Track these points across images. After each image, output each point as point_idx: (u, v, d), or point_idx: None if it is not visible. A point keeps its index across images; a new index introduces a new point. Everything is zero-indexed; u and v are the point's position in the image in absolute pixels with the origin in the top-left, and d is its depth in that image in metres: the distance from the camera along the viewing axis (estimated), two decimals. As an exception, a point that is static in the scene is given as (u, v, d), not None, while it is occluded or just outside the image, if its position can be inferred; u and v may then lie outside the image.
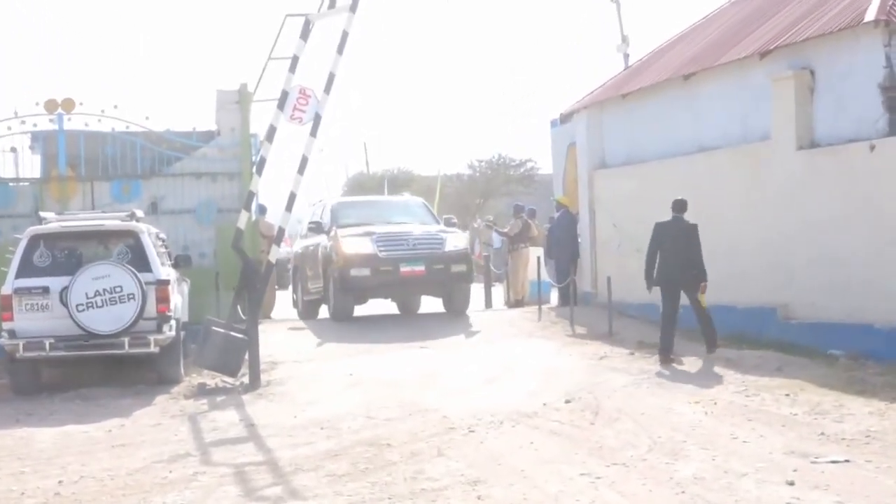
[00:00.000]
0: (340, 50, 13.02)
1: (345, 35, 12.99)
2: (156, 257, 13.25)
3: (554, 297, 20.49)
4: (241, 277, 13.43)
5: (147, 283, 12.81)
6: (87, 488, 8.48)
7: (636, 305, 17.18)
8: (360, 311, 18.28)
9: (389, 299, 19.79)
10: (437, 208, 28.61)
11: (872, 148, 12.91)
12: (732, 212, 15.11)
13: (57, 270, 12.91)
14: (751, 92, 15.38)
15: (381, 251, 17.22)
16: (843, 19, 13.45)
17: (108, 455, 9.66)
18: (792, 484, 7.74)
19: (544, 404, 11.04)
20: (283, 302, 21.68)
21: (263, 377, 13.17)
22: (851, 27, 13.19)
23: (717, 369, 12.70)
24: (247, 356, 13.10)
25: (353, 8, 12.90)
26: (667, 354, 13.41)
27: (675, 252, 13.72)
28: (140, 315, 12.69)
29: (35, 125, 17.32)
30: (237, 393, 12.62)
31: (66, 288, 12.61)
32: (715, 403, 10.78)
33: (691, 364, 13.15)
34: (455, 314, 18.01)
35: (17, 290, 12.73)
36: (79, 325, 12.59)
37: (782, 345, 13.75)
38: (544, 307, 18.88)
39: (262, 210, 19.31)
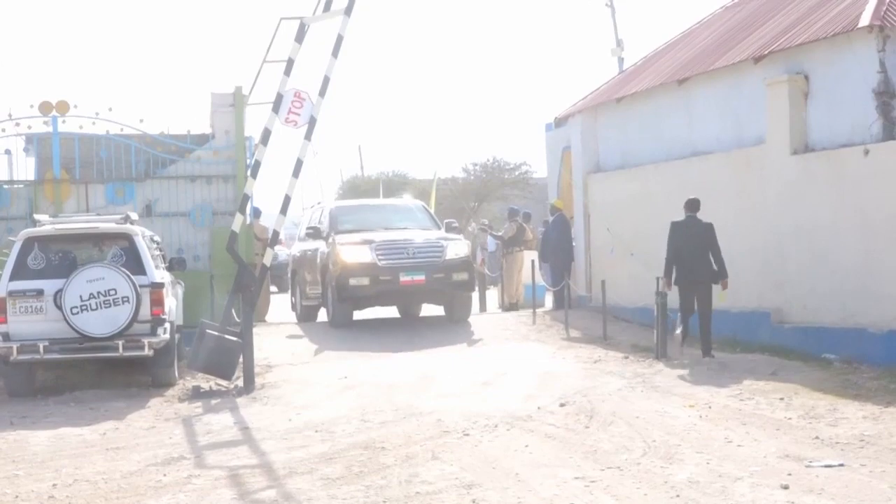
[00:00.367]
0: (335, 53, 13.02)
1: (340, 38, 13.00)
2: (150, 260, 13.22)
3: (548, 300, 20.51)
4: (236, 280, 13.41)
5: (141, 286, 12.78)
6: (81, 491, 8.46)
7: (630, 309, 17.23)
8: (357, 314, 18.20)
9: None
10: (433, 211, 28.50)
11: (866, 152, 12.96)
12: (726, 216, 15.13)
13: (51, 273, 12.88)
14: (745, 96, 15.42)
15: (380, 260, 16.91)
16: (838, 24, 13.49)
17: (102, 458, 9.63)
18: (786, 488, 7.75)
19: (539, 408, 11.05)
20: (281, 305, 21.68)
21: (258, 380, 13.16)
22: (846, 32, 13.23)
23: (711, 373, 12.72)
24: (241, 359, 13.08)
25: (348, 11, 12.91)
26: (708, 349, 13.71)
27: (690, 251, 13.94)
28: (134, 318, 12.67)
29: (29, 127, 17.30)
30: (231, 396, 12.61)
31: (60, 291, 12.58)
32: (709, 407, 10.79)
33: (686, 367, 13.16)
34: (456, 322, 17.75)
35: (12, 293, 12.70)
36: (73, 328, 12.56)
37: (776, 349, 13.79)
38: (539, 311, 18.91)
39: (256, 213, 19.31)
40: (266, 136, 13.25)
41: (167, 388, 13.16)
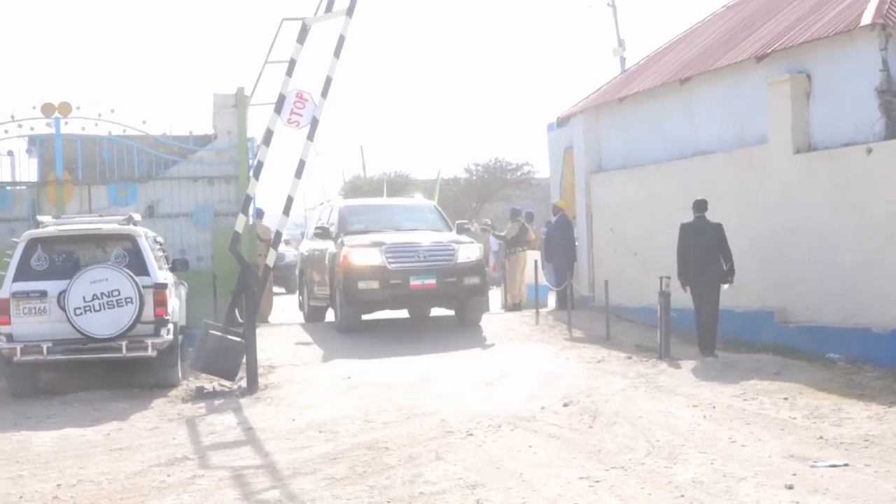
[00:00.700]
0: (337, 54, 13.02)
1: (342, 39, 12.99)
2: (153, 261, 13.23)
3: (551, 300, 20.50)
4: (239, 281, 13.41)
5: (144, 287, 12.78)
6: (85, 492, 8.47)
7: (634, 309, 17.22)
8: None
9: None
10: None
11: (869, 151, 12.94)
12: (729, 215, 15.10)
13: (54, 274, 12.88)
14: (747, 96, 15.41)
15: (390, 263, 16.52)
16: (840, 23, 13.47)
17: (105, 458, 9.63)
18: (791, 488, 7.75)
19: (542, 408, 11.04)
20: (285, 306, 21.67)
21: (261, 381, 13.16)
22: (848, 31, 13.22)
23: (715, 373, 12.71)
24: (244, 360, 13.09)
25: (349, 12, 12.90)
26: (712, 349, 13.82)
27: (699, 252, 14.03)
28: (137, 319, 12.67)
29: (32, 129, 17.33)
30: (235, 396, 12.61)
31: (63, 292, 12.58)
32: (713, 407, 10.78)
33: (689, 367, 13.15)
34: (468, 326, 17.32)
35: (15, 294, 12.71)
36: (76, 329, 12.56)
37: (779, 349, 13.78)
38: (542, 311, 18.90)
39: (259, 214, 19.31)
40: (268, 136, 13.24)
41: (171, 388, 13.16)
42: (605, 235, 19.02)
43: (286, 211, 13.47)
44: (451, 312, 18.09)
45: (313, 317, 19.11)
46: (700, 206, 14.29)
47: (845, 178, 13.38)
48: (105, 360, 13.00)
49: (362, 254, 16.65)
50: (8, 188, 17.47)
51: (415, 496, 7.94)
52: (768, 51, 14.69)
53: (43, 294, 12.73)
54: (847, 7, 13.85)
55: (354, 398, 12.10)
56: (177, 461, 9.41)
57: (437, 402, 11.55)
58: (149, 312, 12.84)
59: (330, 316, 18.59)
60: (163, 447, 10.02)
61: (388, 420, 10.78)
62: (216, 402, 12.34)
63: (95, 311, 12.59)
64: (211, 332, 13.16)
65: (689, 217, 14.36)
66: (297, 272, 21.32)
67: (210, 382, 13.35)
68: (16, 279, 12.80)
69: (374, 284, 16.51)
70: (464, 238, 17.64)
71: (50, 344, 12.55)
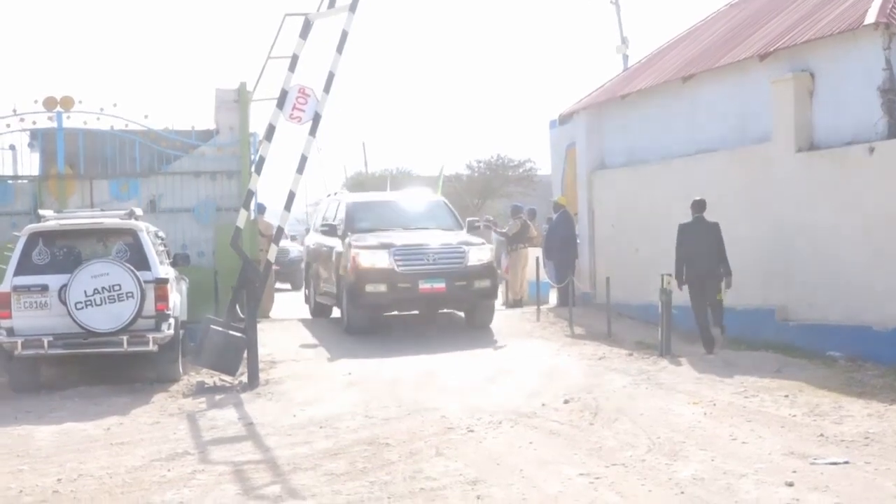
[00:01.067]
0: (340, 49, 13.01)
1: (344, 34, 12.98)
2: (154, 256, 13.23)
3: (553, 297, 20.50)
4: (240, 276, 13.41)
5: (146, 282, 12.79)
6: (86, 486, 8.48)
7: (635, 306, 17.21)
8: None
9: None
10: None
11: (872, 150, 12.92)
12: (731, 213, 15.12)
13: (56, 268, 12.88)
14: (750, 94, 15.39)
15: (398, 266, 16.10)
16: (843, 22, 13.45)
17: (106, 453, 9.64)
18: (791, 485, 7.75)
19: (543, 404, 11.04)
20: (290, 303, 21.64)
21: (262, 376, 13.17)
22: (851, 30, 13.19)
23: (715, 370, 12.70)
24: (245, 355, 13.09)
25: (352, 7, 12.89)
26: (710, 347, 13.92)
27: (699, 251, 14.15)
28: (139, 313, 12.67)
29: (34, 123, 17.29)
30: (236, 392, 12.62)
31: (64, 286, 12.59)
32: (714, 404, 10.78)
33: (690, 365, 13.15)
34: (477, 329, 16.90)
35: (16, 288, 12.71)
36: (77, 323, 12.57)
37: (781, 346, 13.77)
38: (543, 308, 18.90)
39: (261, 209, 19.30)
40: (270, 132, 13.24)
41: (171, 383, 13.17)
42: (606, 232, 19.01)
43: (288, 206, 13.47)
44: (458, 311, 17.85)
45: (319, 312, 18.94)
46: (698, 206, 14.39)
47: (847, 177, 13.36)
48: (106, 354, 13.00)
49: (370, 256, 16.27)
50: (9, 182, 17.45)
51: (415, 492, 7.95)
52: (771, 49, 14.68)
53: (44, 288, 12.73)
54: (851, 6, 13.83)
55: (355, 394, 12.10)
56: (177, 456, 9.42)
57: (437, 398, 11.55)
58: (150, 307, 12.85)
59: (336, 312, 18.41)
60: (163, 442, 10.03)
61: (388, 416, 10.79)
62: (217, 398, 12.34)
63: (96, 305, 12.59)
64: (212, 327, 13.17)
65: (689, 216, 14.40)
66: (302, 265, 21.18)
67: (211, 377, 13.36)
68: (17, 273, 12.80)
69: (382, 287, 16.14)
70: (474, 239, 17.17)
71: (51, 338, 12.56)
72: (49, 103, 17.10)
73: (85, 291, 12.58)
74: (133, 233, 13.31)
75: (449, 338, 16.19)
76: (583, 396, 11.34)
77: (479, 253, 16.61)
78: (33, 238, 13.10)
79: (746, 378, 12.12)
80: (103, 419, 11.21)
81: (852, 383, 11.63)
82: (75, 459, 9.39)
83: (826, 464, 8.34)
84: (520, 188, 42.12)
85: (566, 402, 11.12)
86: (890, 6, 13.02)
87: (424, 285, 16.13)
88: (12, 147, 17.62)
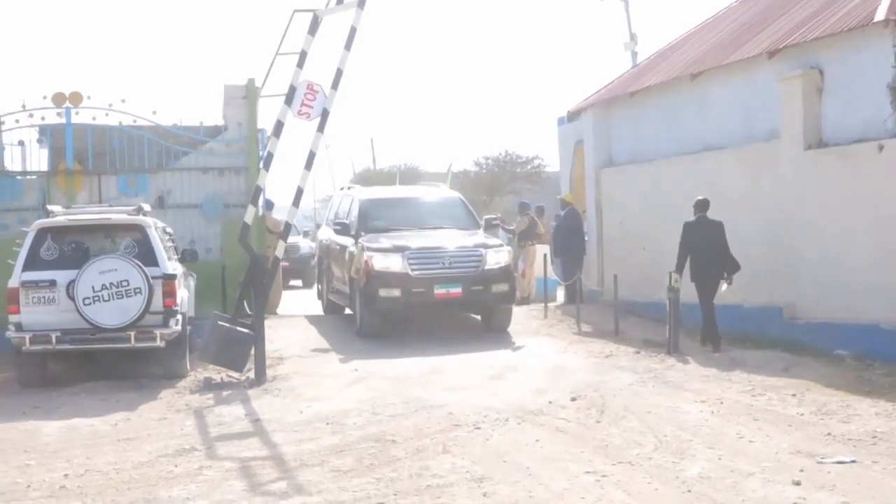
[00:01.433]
0: (348, 45, 13.01)
1: (353, 31, 12.99)
2: (162, 252, 13.24)
3: (560, 294, 20.48)
4: (248, 272, 13.42)
5: (153, 278, 12.80)
6: (93, 481, 8.49)
7: (642, 304, 17.18)
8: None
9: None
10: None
11: (881, 148, 12.89)
12: (739, 211, 15.09)
13: (64, 264, 12.90)
14: (758, 91, 15.36)
15: (413, 270, 15.54)
16: (852, 19, 13.41)
17: (113, 449, 9.67)
18: (798, 484, 7.74)
19: (550, 402, 11.04)
20: (298, 299, 21.62)
21: (269, 372, 13.16)
22: (860, 27, 13.16)
23: (723, 369, 12.69)
24: (252, 351, 13.10)
25: (361, 4, 12.89)
26: (717, 344, 14.04)
27: (702, 249, 14.27)
28: (146, 309, 12.69)
29: (43, 118, 17.34)
30: (243, 388, 12.63)
31: (72, 281, 12.60)
32: (721, 403, 10.77)
33: (698, 363, 13.14)
34: (495, 332, 16.31)
35: (24, 284, 12.73)
36: (85, 319, 12.58)
37: (787, 345, 13.74)
38: (550, 305, 18.89)
39: (269, 205, 19.29)
40: (278, 128, 13.25)
41: (179, 379, 13.18)
42: (614, 230, 18.98)
43: (296, 202, 13.48)
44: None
45: (332, 309, 18.67)
46: (702, 205, 14.50)
47: (856, 175, 13.33)
48: (113, 350, 13.03)
49: (384, 259, 15.72)
50: (18, 178, 17.50)
51: (421, 489, 7.95)
52: (780, 46, 14.64)
53: (52, 283, 12.75)
54: (860, 3, 13.78)
55: (362, 390, 12.11)
56: (184, 452, 9.43)
57: (444, 395, 11.55)
58: (157, 303, 12.86)
59: (348, 309, 17.94)
60: (170, 438, 10.05)
61: (395, 413, 10.79)
62: (224, 394, 12.36)
63: (104, 301, 12.60)
64: (219, 323, 13.18)
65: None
66: (315, 260, 20.95)
67: (218, 374, 13.37)
68: (25, 268, 12.83)
69: (396, 293, 15.62)
70: (492, 240, 16.56)
71: (59, 333, 12.58)
72: (58, 99, 17.14)
73: (93, 287, 12.60)
74: (141, 228, 13.33)
75: (456, 335, 16.15)
76: (590, 394, 11.34)
77: (497, 256, 16.05)
78: (42, 234, 13.12)
79: (754, 376, 12.10)
80: (110, 415, 11.22)
81: (860, 382, 11.61)
82: (82, 455, 9.41)
83: (833, 463, 8.32)
84: (528, 185, 42.06)
85: (573, 399, 11.12)
86: (899, 3, 12.98)
87: (440, 290, 15.63)
88: (21, 143, 17.69)
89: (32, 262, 12.89)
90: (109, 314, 12.61)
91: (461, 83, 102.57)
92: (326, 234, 19.15)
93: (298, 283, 27.37)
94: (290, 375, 13.24)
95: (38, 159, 17.80)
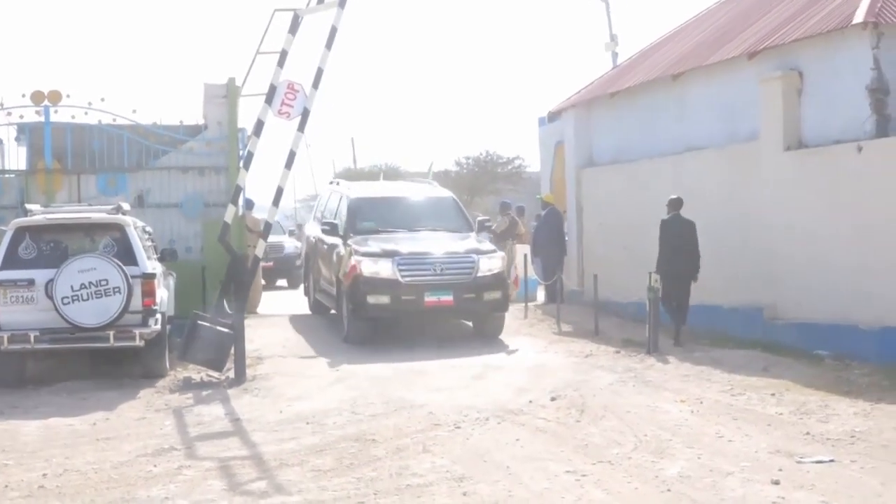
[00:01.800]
0: (329, 45, 12.98)
1: (333, 30, 12.95)
2: (142, 251, 13.18)
3: (540, 294, 20.51)
4: (228, 272, 13.38)
5: (133, 277, 12.73)
6: (72, 481, 8.45)
7: (623, 304, 17.23)
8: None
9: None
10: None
11: (860, 149, 12.95)
12: (719, 211, 15.16)
13: (42, 263, 12.82)
14: (739, 92, 15.42)
15: (403, 276, 15.04)
16: (832, 21, 13.48)
17: (92, 448, 9.61)
18: (777, 483, 7.77)
19: (530, 402, 11.05)
20: (283, 299, 21.53)
21: (249, 372, 13.13)
22: (840, 29, 13.23)
23: (702, 368, 12.74)
24: (232, 350, 13.06)
25: (342, 3, 12.86)
26: (679, 338, 14.49)
27: (677, 247, 14.57)
28: (125, 308, 12.62)
29: (21, 117, 17.22)
30: (222, 387, 12.59)
31: (51, 280, 12.52)
32: (701, 402, 10.80)
33: (677, 363, 13.17)
34: (487, 339, 15.77)
35: (2, 283, 12.63)
36: (64, 318, 12.50)
37: (768, 345, 13.81)
38: (530, 305, 18.91)
39: (249, 204, 19.22)
40: (259, 127, 13.21)
41: (158, 378, 13.11)
42: (595, 230, 19.02)
43: (276, 202, 13.44)
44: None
45: (318, 309, 18.41)
46: (675, 204, 14.83)
47: (836, 176, 13.40)
48: (92, 349, 12.96)
49: (372, 265, 15.20)
50: (-3, 176, 17.38)
51: (402, 488, 7.94)
52: (760, 48, 14.70)
53: (30, 283, 12.67)
54: (839, 5, 13.86)
55: (342, 390, 12.09)
56: (164, 451, 9.39)
57: (424, 395, 11.55)
58: (137, 302, 12.79)
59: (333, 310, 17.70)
60: (150, 437, 10.00)
61: (375, 412, 10.78)
62: (204, 393, 12.31)
63: (83, 300, 12.53)
64: (199, 322, 13.13)
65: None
66: (301, 257, 20.60)
67: (198, 373, 13.32)
68: (3, 267, 12.73)
69: (385, 299, 15.09)
70: (485, 246, 16.01)
71: (37, 333, 12.49)
72: (36, 97, 17.02)
73: (72, 286, 12.52)
74: (120, 227, 13.26)
75: (437, 335, 16.11)
76: (570, 394, 11.35)
77: (490, 262, 15.53)
78: (20, 232, 13.03)
79: (733, 376, 12.15)
80: (89, 414, 11.16)
81: (839, 382, 11.67)
82: (61, 454, 9.36)
83: (812, 462, 8.36)
84: (508, 185, 42.13)
85: (553, 399, 11.13)
86: (878, 5, 13.06)
87: (430, 298, 15.12)
88: (-1, 141, 17.56)
89: (10, 261, 12.79)
90: (88, 313, 12.54)
91: (442, 83, 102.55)
92: (314, 230, 18.70)
93: (283, 283, 27.24)
94: (270, 375, 13.21)
95: (17, 158, 17.68)
